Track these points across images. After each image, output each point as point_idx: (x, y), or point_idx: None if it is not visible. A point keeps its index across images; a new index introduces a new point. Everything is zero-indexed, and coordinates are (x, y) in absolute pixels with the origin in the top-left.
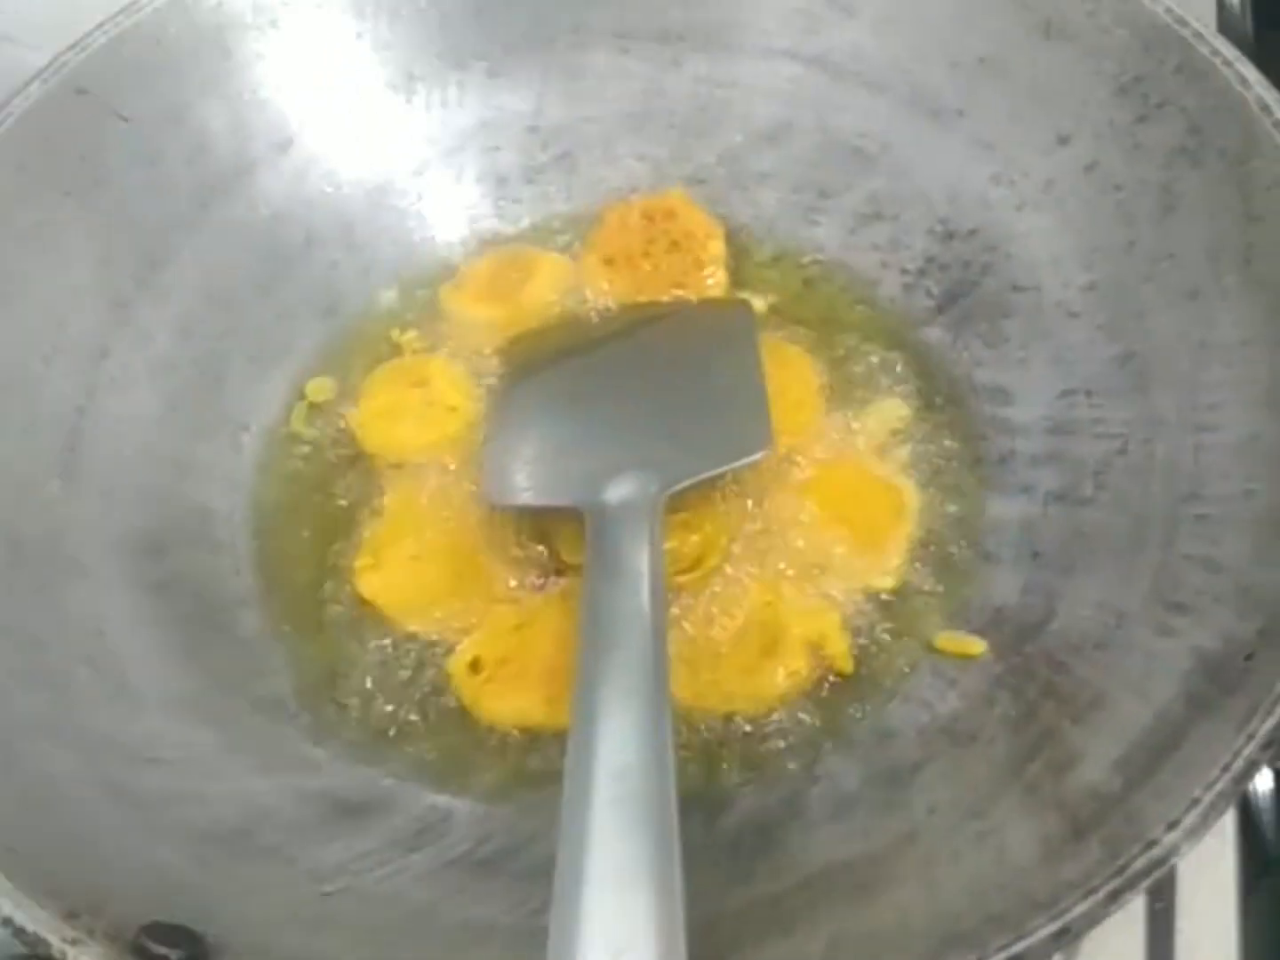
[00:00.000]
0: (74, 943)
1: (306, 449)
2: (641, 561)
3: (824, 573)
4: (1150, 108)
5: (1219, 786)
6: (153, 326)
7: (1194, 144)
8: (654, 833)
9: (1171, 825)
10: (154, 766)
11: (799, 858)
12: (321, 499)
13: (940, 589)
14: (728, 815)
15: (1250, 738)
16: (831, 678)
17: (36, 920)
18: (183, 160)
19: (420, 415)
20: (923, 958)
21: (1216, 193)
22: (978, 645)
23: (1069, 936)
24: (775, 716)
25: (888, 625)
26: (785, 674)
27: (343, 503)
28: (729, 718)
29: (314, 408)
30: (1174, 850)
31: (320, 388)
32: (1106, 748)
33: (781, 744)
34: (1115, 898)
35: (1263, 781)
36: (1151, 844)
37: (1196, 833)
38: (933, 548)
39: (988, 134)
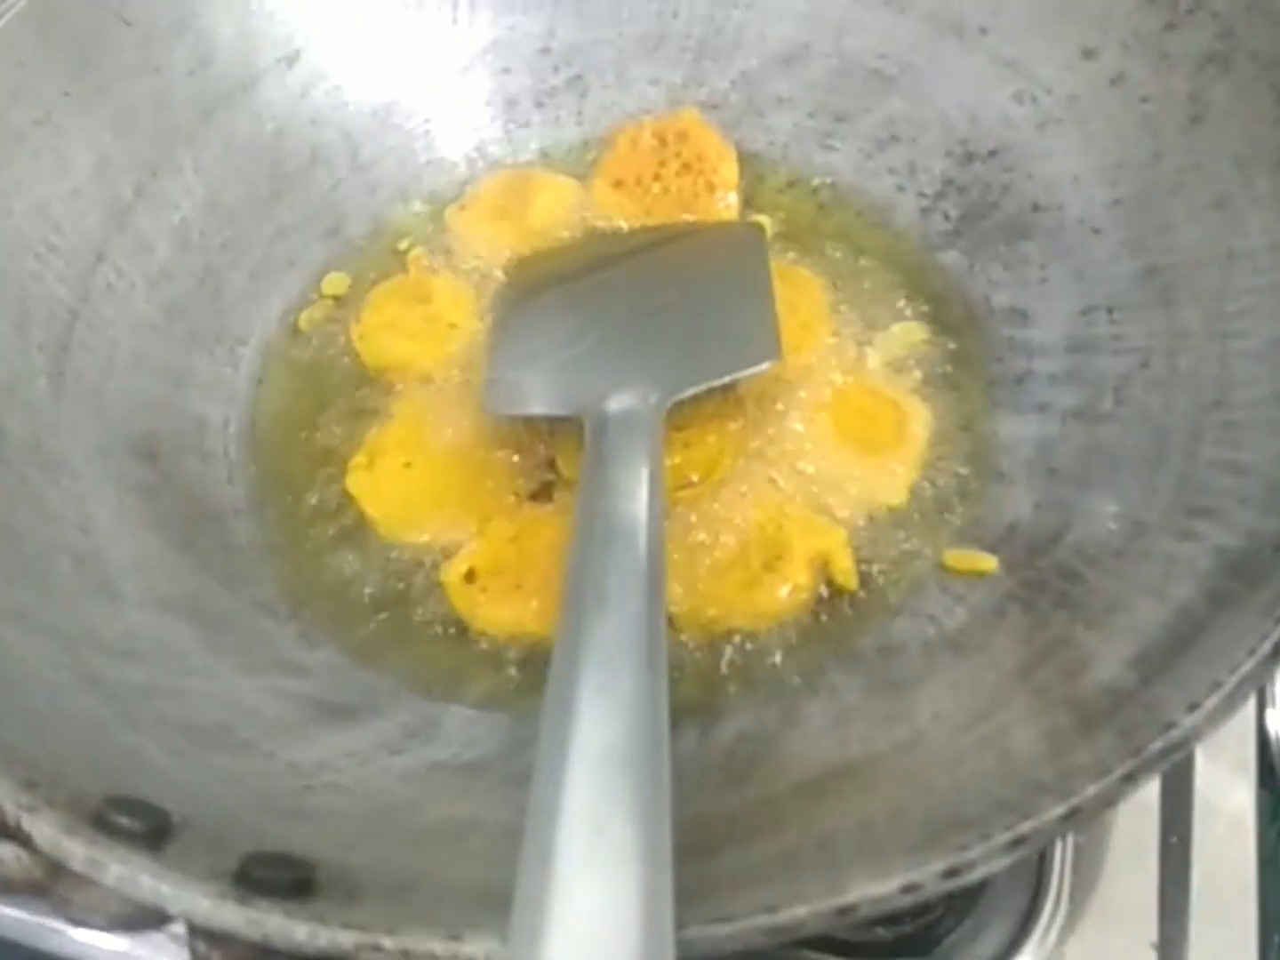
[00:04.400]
0: (29, 809)
1: (305, 362)
2: (640, 469)
3: (830, 491)
4: (1180, 14)
5: (1244, 670)
6: (151, 235)
7: (1224, 49)
8: (642, 716)
9: (1192, 707)
10: (132, 660)
11: (794, 765)
12: (319, 413)
13: (950, 509)
14: (723, 727)
15: (1278, 621)
16: (835, 594)
17: None
18: (186, 69)
19: (422, 331)
20: (920, 842)
21: (1247, 98)
22: (989, 562)
23: (1080, 817)
24: (776, 632)
25: (895, 544)
26: (787, 589)
27: (340, 417)
28: (727, 633)
29: (318, 317)
30: (1194, 733)
31: (336, 283)
32: (1121, 649)
33: (781, 659)
34: (1131, 779)
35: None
36: (1170, 725)
37: (1219, 715)
38: (943, 468)
39: (1010, 51)
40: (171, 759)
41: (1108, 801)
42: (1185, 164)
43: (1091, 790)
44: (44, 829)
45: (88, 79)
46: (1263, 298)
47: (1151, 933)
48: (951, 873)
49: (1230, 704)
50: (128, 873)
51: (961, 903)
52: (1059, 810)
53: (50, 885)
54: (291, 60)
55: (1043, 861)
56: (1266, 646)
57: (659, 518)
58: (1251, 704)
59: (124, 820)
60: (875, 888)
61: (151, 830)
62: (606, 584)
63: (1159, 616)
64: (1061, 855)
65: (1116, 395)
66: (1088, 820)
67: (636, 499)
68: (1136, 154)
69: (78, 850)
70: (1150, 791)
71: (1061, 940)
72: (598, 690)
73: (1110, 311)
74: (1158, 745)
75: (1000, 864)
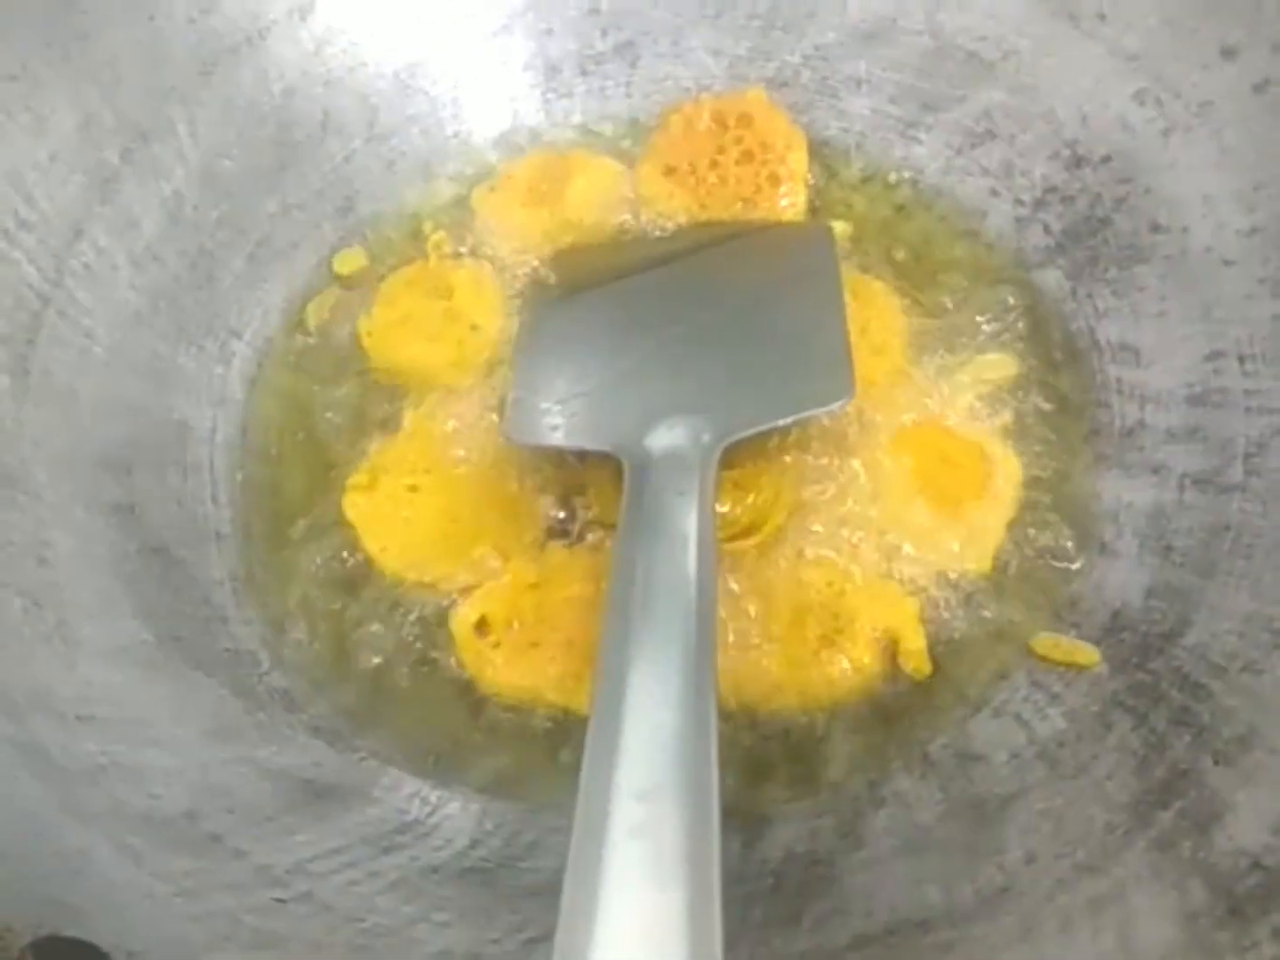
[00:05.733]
0: None
1: (306, 361)
2: (688, 522)
3: (901, 551)
4: None
5: None
6: (138, 209)
7: None
8: (686, 879)
9: None
10: (87, 726)
11: (859, 903)
12: (317, 421)
13: (1043, 583)
14: (771, 837)
15: None
16: (904, 679)
17: None
18: (186, 18)
19: (440, 331)
20: None
21: None
22: (1089, 653)
23: None
24: (831, 719)
25: (976, 620)
26: (847, 669)
27: (341, 427)
28: (774, 715)
29: (325, 306)
30: None
31: (350, 260)
32: (1263, 800)
33: (839, 753)
34: None
35: None
36: None
37: None
38: (1036, 531)
39: (1134, 43)
40: (124, 866)
41: None
42: None
43: None
44: None
45: (73, 25)
46: None
47: None
48: None
49: None
50: None
51: None
52: None
53: None
54: (305, 11)
55: None
56: None
57: (710, 584)
58: None
59: None
60: None
61: None
62: (644, 669)
63: None
64: None
65: (1249, 463)
66: None
67: (682, 560)
68: None
69: None
70: None
71: None
72: (632, 832)
73: (1243, 360)
74: None
75: None
